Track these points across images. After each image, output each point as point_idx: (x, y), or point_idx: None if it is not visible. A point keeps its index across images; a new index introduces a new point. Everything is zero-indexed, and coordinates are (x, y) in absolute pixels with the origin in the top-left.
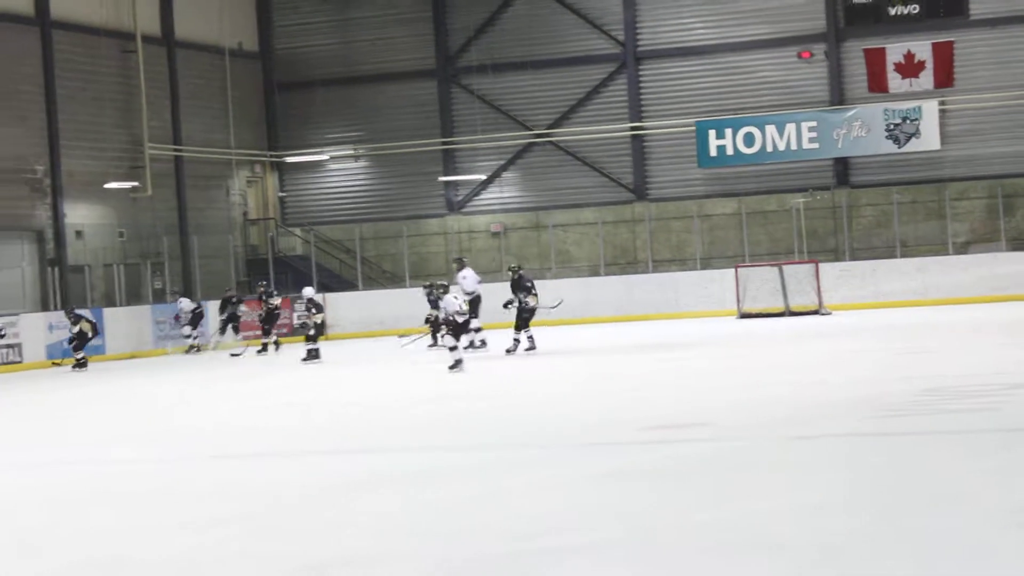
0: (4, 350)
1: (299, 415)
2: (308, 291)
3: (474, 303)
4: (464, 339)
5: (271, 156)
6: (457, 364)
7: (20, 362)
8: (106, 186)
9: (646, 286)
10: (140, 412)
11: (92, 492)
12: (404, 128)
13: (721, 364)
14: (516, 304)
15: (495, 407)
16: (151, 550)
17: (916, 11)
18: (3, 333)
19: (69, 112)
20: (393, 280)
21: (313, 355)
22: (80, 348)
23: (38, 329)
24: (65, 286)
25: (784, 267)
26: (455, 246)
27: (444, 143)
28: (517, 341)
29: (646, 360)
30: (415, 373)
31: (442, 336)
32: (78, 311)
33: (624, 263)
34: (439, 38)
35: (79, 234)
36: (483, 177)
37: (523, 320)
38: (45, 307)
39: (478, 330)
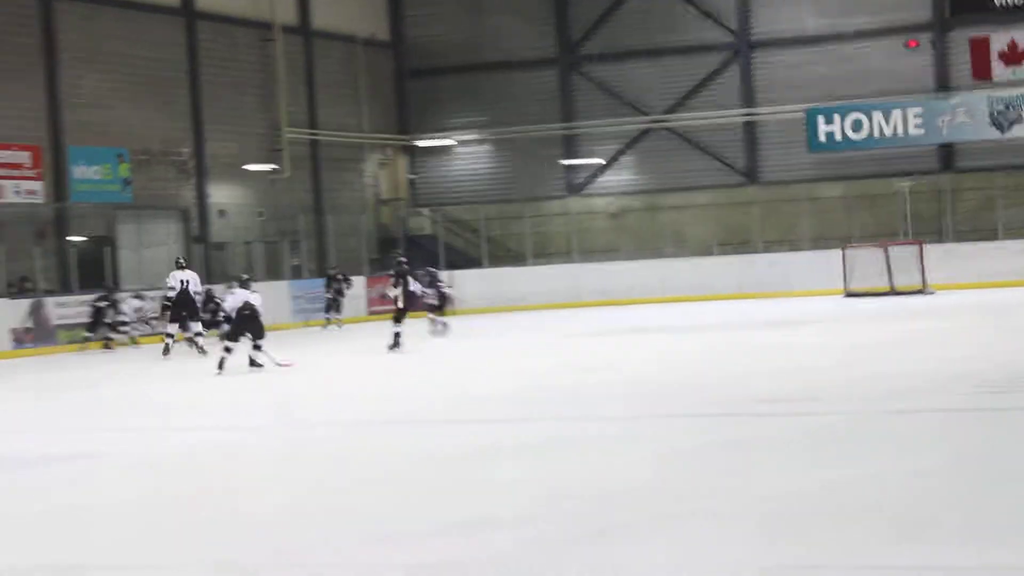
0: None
1: (436, 386)
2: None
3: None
4: None
5: (402, 140)
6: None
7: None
8: (246, 168)
9: (757, 266)
10: (303, 382)
11: (272, 451)
12: (527, 113)
13: (829, 341)
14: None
15: (608, 380)
16: (310, 505)
17: (1020, 1)
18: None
19: (212, 98)
20: (516, 259)
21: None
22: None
23: None
24: (209, 262)
25: (890, 248)
26: (575, 226)
27: (565, 128)
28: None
29: (757, 337)
30: (531, 347)
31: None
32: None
33: (736, 244)
34: (561, 28)
35: (221, 213)
36: (602, 161)
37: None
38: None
39: None
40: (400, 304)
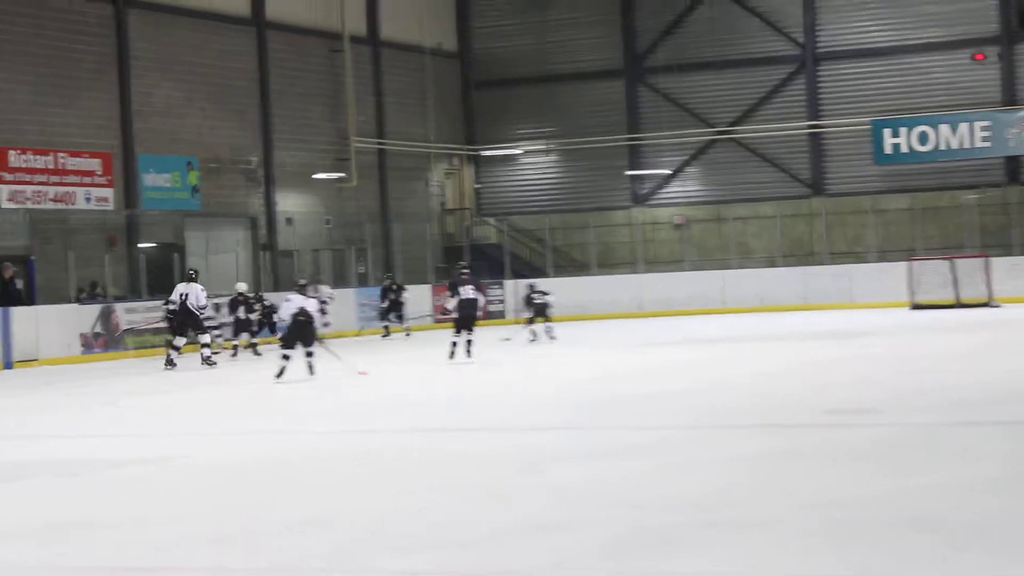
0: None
1: (498, 392)
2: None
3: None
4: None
5: (468, 150)
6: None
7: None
8: (314, 176)
9: (822, 277)
10: (361, 388)
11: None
12: (593, 124)
13: (893, 353)
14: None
15: (670, 390)
16: (374, 510)
17: None
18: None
19: (281, 107)
20: (581, 268)
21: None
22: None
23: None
24: (276, 269)
25: (956, 260)
26: (639, 237)
27: (630, 139)
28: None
29: (821, 348)
30: (593, 356)
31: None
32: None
33: (801, 255)
34: (627, 39)
35: (289, 221)
36: (667, 171)
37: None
38: (257, 289)
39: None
40: (455, 314)
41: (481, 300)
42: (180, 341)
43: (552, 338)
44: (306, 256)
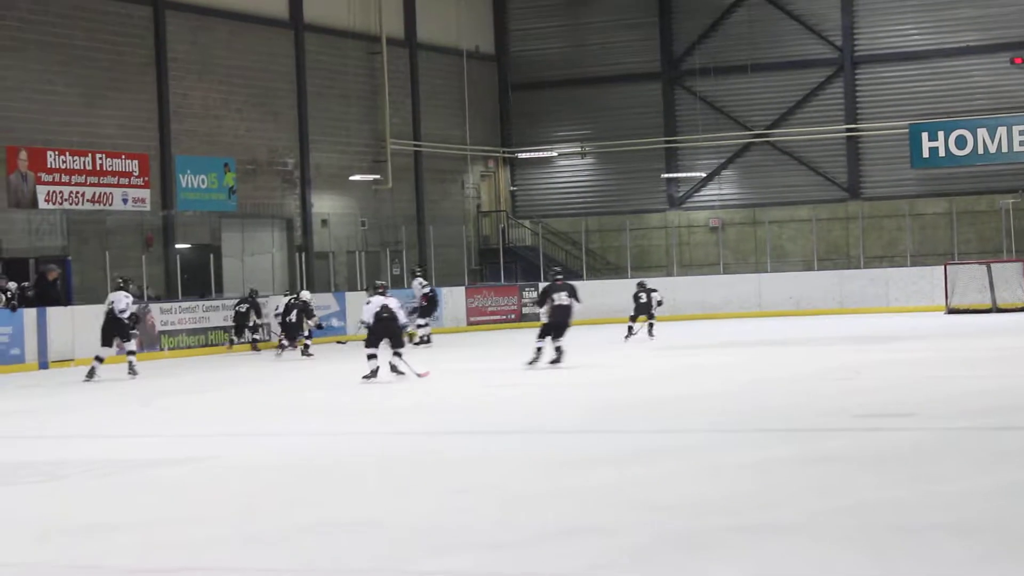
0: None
1: (533, 395)
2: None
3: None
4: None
5: (504, 152)
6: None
7: (268, 340)
8: (350, 178)
9: (858, 281)
10: (399, 389)
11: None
12: (629, 127)
13: (929, 357)
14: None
15: (702, 393)
16: (408, 512)
17: None
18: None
19: (318, 109)
20: (616, 271)
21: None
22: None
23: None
24: (311, 271)
25: (992, 265)
26: (675, 240)
27: (667, 142)
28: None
29: (858, 351)
30: (627, 359)
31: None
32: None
33: (837, 258)
34: (664, 42)
35: (324, 223)
36: (703, 174)
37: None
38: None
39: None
40: (546, 319)
41: (577, 307)
42: (105, 352)
43: (651, 336)
44: (341, 258)
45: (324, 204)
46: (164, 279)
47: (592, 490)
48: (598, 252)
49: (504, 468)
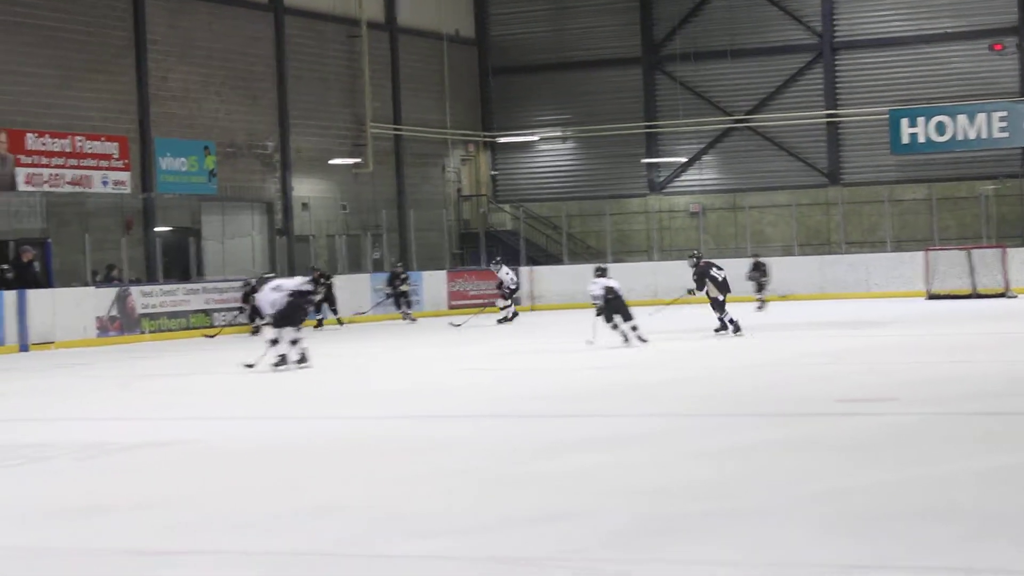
0: (232, 313)
1: (509, 380)
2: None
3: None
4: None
5: (484, 136)
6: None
7: (248, 324)
8: (330, 162)
9: (838, 267)
10: (376, 374)
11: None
12: (609, 112)
13: (909, 342)
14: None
15: (682, 378)
16: (383, 496)
17: None
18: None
19: (298, 93)
20: (597, 256)
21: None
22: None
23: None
24: (292, 254)
25: (972, 251)
26: (655, 225)
27: (647, 127)
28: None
29: (838, 336)
30: (605, 344)
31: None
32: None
33: (817, 244)
34: (645, 27)
35: (305, 206)
36: (683, 159)
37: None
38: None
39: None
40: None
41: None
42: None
43: (759, 309)
44: (321, 241)
45: (304, 188)
46: (144, 262)
47: (568, 475)
48: (578, 237)
49: (480, 452)
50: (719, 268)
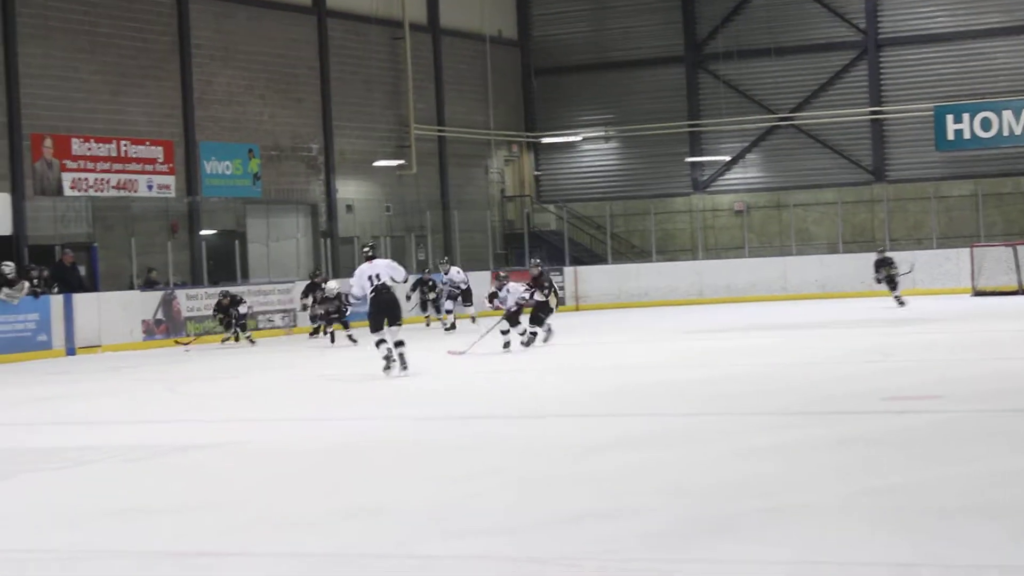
0: (278, 314)
1: (551, 380)
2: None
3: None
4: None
5: (528, 137)
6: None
7: (295, 327)
8: (374, 164)
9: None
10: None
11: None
12: (652, 111)
13: (954, 339)
14: None
15: (727, 376)
16: (423, 498)
17: None
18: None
19: (341, 95)
20: (641, 255)
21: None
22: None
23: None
24: (336, 256)
25: (1019, 247)
26: (699, 224)
27: (690, 125)
28: None
29: (884, 334)
30: (651, 343)
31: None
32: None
33: (862, 242)
34: (687, 26)
35: (349, 208)
36: (727, 158)
37: None
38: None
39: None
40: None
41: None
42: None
43: (901, 304)
44: (366, 243)
45: (348, 190)
46: (190, 265)
47: (609, 474)
48: (623, 236)
49: (519, 452)
50: None
